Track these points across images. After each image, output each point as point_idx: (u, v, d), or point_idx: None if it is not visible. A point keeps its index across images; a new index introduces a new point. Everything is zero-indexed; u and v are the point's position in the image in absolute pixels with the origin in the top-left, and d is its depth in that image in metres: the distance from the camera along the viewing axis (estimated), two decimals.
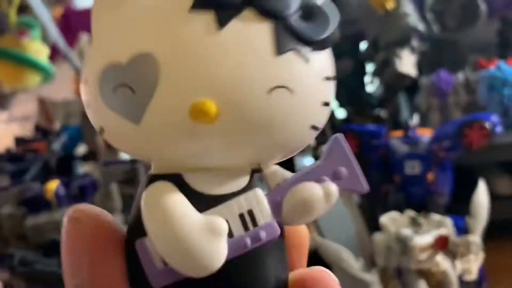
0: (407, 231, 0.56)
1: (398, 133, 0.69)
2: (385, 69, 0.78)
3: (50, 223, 0.56)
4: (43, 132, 0.90)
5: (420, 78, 0.79)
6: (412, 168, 0.65)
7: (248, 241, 0.19)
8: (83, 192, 0.61)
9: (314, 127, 0.19)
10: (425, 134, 0.67)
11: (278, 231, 0.19)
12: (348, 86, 0.85)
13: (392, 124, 0.80)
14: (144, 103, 0.17)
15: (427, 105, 0.76)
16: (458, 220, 0.59)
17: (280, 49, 0.17)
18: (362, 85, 0.88)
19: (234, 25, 0.17)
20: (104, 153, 0.90)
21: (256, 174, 0.19)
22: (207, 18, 0.17)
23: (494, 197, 0.65)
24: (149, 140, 0.18)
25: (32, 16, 0.93)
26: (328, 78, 0.19)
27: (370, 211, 0.66)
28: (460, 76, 0.76)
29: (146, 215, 0.18)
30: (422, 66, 0.83)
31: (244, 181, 0.19)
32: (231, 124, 0.17)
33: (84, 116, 0.84)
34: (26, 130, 1.06)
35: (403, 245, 0.55)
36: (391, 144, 0.66)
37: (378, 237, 0.58)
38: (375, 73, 0.83)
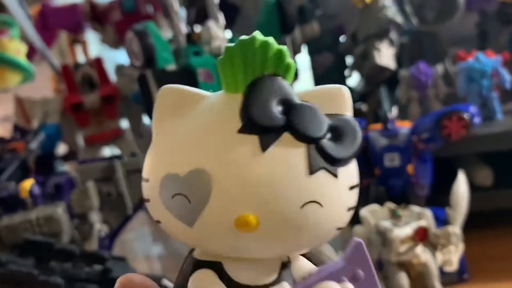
0: (386, 223, 0.55)
1: (378, 126, 0.69)
2: (364, 62, 0.77)
3: (24, 223, 0.55)
4: (21, 131, 0.89)
5: (400, 70, 0.79)
6: (392, 160, 0.65)
7: None
8: (59, 190, 0.60)
9: (339, 228, 0.22)
10: (404, 126, 0.66)
11: None
12: (328, 80, 0.85)
13: (373, 117, 0.80)
14: (197, 212, 0.21)
15: (407, 97, 0.76)
16: (438, 212, 0.59)
17: (312, 169, 0.20)
18: (343, 79, 0.88)
19: (275, 147, 0.20)
20: (83, 151, 0.89)
21: (285, 266, 0.23)
22: (252, 141, 0.20)
23: (474, 188, 0.65)
24: (199, 239, 0.22)
25: (9, 15, 0.91)
26: (353, 187, 0.22)
27: None
28: (439, 68, 0.76)
29: None
30: (402, 59, 0.83)
31: (275, 273, 0.22)
32: (269, 232, 0.21)
33: (63, 115, 0.82)
34: (7, 130, 1.05)
35: (383, 237, 0.55)
36: (370, 137, 0.66)
37: (358, 230, 0.57)
38: (354, 67, 0.83)
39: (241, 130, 0.20)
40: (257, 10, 0.83)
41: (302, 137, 0.20)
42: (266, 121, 0.20)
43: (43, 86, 1.07)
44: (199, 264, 0.22)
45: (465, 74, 0.73)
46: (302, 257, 0.23)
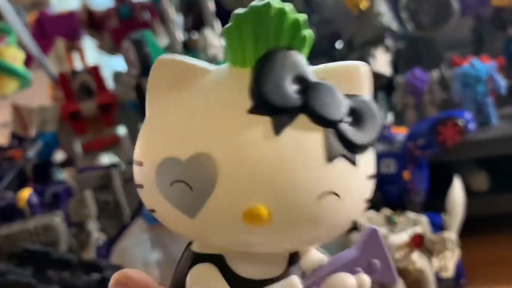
0: (382, 230, 0.56)
1: None
2: None
3: (22, 232, 0.55)
4: (19, 139, 0.89)
5: (396, 76, 0.79)
6: (388, 166, 0.65)
7: None
8: (57, 199, 0.60)
9: (354, 220, 0.20)
10: (400, 133, 0.67)
11: None
12: None
13: None
14: (200, 201, 0.18)
15: (403, 103, 0.76)
16: (434, 217, 0.60)
17: (330, 157, 0.18)
18: None
19: (289, 131, 0.18)
20: (81, 159, 0.89)
21: (293, 258, 0.20)
22: (264, 123, 0.18)
23: (470, 193, 0.65)
24: (201, 231, 0.19)
25: (6, 22, 0.92)
26: (370, 177, 0.20)
27: None
28: (435, 74, 0.76)
29: None
30: (399, 65, 0.84)
31: (282, 266, 0.20)
32: (281, 226, 0.18)
33: (60, 123, 0.83)
34: (4, 137, 1.05)
35: None
36: None
37: (355, 236, 0.58)
38: None
39: (252, 110, 0.18)
40: None
41: (320, 119, 0.18)
42: (280, 100, 0.18)
43: (40, 94, 1.07)
44: (198, 258, 0.20)
45: (460, 79, 0.73)
46: (312, 248, 0.21)
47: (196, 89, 0.19)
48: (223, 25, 0.76)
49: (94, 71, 0.90)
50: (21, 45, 0.93)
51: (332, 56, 0.87)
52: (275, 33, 0.19)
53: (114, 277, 0.21)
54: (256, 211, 0.18)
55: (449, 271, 0.57)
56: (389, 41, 0.79)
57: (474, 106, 0.73)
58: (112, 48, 1.00)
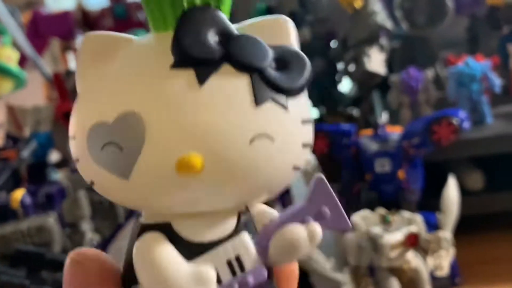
0: (377, 229, 0.56)
1: (369, 132, 0.69)
2: (354, 68, 0.78)
3: (16, 233, 0.55)
4: (13, 139, 0.89)
5: (391, 76, 0.79)
6: (383, 166, 0.65)
7: (236, 286, 0.19)
8: (50, 200, 0.60)
9: (296, 167, 0.20)
10: (395, 132, 0.67)
11: (265, 275, 0.20)
12: (320, 86, 0.86)
13: (364, 122, 0.80)
14: (131, 160, 0.18)
15: (398, 102, 0.76)
16: (429, 216, 0.60)
17: (258, 100, 0.19)
18: (334, 84, 0.88)
19: (214, 80, 0.18)
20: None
21: (243, 215, 0.20)
22: (187, 75, 0.18)
23: (465, 192, 0.65)
24: (138, 193, 0.19)
25: (0, 22, 0.91)
26: (305, 121, 0.20)
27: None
28: (430, 73, 0.76)
29: (138, 267, 0.19)
30: (393, 64, 0.84)
31: (231, 225, 0.20)
32: (216, 174, 0.18)
33: (55, 123, 0.82)
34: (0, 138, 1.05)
35: (374, 243, 0.55)
36: (361, 143, 0.66)
37: (349, 236, 0.58)
38: (344, 72, 0.83)
39: (174, 65, 0.18)
40: (249, 17, 0.83)
41: (244, 66, 0.19)
42: (201, 52, 0.18)
43: (35, 94, 1.07)
44: (145, 228, 0.20)
45: (455, 78, 0.73)
46: (261, 204, 0.21)
47: (121, 56, 0.20)
48: None
49: None
50: (15, 45, 0.93)
51: (327, 55, 0.87)
52: None
53: (70, 255, 0.21)
54: (187, 159, 0.18)
55: (444, 270, 0.57)
56: (383, 40, 0.79)
57: (469, 105, 0.73)
58: None
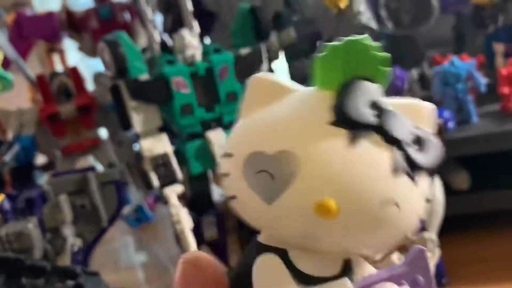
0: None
1: None
2: None
3: None
4: None
5: None
6: None
7: None
8: (30, 205, 0.59)
9: (406, 235, 0.22)
10: None
11: None
12: (307, 87, 0.85)
13: None
14: (280, 189, 0.21)
15: None
16: None
17: (396, 171, 0.21)
18: None
19: (362, 144, 0.21)
20: (60, 161, 0.88)
21: (347, 264, 0.23)
22: (342, 134, 0.21)
23: (451, 192, 0.65)
24: (275, 219, 0.22)
25: None
26: (428, 201, 0.23)
27: None
28: (414, 72, 0.76)
29: (257, 285, 0.22)
30: None
31: (338, 266, 0.22)
32: (347, 221, 0.21)
33: (40, 125, 0.81)
34: None
35: None
36: None
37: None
38: None
39: (332, 122, 0.21)
40: (234, 17, 0.83)
41: (391, 139, 0.21)
42: (357, 117, 0.21)
43: (20, 96, 1.06)
44: (264, 248, 0.22)
45: (440, 78, 0.73)
46: (363, 259, 0.23)
47: (285, 101, 0.23)
48: (204, 24, 0.76)
49: (72, 73, 0.89)
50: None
51: (314, 55, 0.87)
52: (363, 65, 0.22)
53: (185, 256, 0.23)
54: (326, 203, 0.20)
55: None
56: None
57: (454, 104, 0.73)
58: (93, 49, 0.99)
